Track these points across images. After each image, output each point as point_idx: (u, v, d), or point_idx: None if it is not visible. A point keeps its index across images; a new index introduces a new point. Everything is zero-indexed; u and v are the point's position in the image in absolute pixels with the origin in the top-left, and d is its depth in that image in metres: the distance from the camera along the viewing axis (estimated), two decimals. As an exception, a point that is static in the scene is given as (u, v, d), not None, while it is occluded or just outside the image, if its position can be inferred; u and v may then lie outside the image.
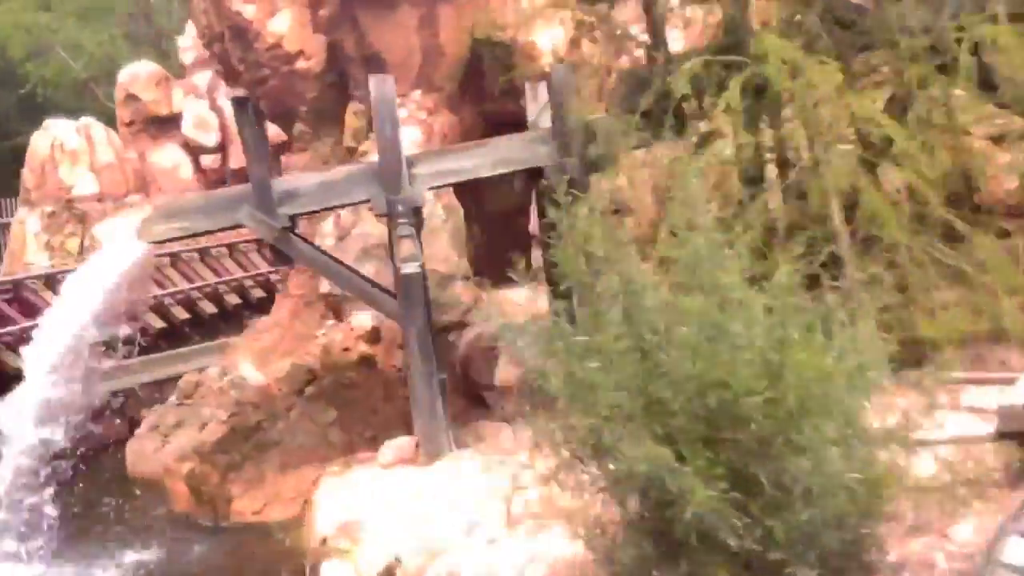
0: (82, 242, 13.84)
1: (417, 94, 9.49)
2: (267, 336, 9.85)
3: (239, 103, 6.02)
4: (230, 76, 11.52)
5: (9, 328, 10.40)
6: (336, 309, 9.00)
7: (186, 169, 15.58)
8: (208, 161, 15.62)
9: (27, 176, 14.66)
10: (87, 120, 15.43)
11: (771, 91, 5.49)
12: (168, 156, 15.71)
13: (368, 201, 6.29)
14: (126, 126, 15.98)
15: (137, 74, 16.10)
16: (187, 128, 15.78)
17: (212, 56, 13.92)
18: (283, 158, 10.87)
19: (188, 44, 16.98)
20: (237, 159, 15.76)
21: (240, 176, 15.86)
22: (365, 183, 6.27)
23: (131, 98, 15.85)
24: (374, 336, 7.95)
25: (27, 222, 14.09)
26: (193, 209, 6.25)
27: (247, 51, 10.68)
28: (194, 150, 15.84)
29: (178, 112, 15.99)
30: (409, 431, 7.18)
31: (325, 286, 9.00)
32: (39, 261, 13.54)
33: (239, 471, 7.13)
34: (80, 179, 14.44)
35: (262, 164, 6.25)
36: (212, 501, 7.09)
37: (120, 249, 6.33)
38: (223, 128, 15.99)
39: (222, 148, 15.99)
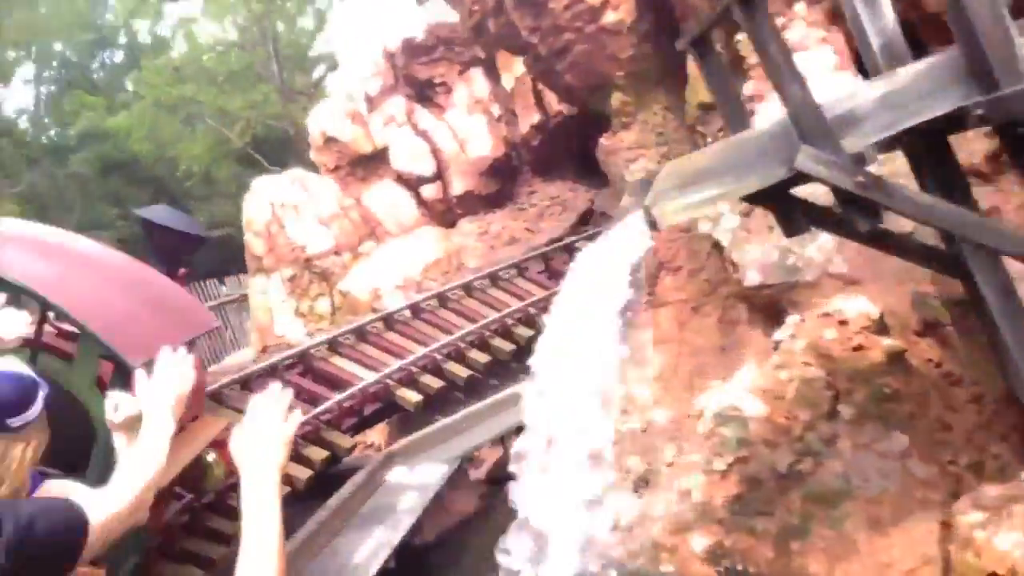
0: (332, 302, 12.31)
1: (801, 7, 7.35)
2: (656, 358, 7.89)
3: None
4: (518, 53, 9.77)
5: (326, 406, 8.83)
6: (766, 306, 6.95)
7: (408, 204, 13.97)
8: (430, 192, 13.98)
9: (253, 242, 13.28)
10: (298, 171, 14.07)
11: None
12: (384, 194, 14.13)
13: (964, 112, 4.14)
14: (331, 172, 14.57)
15: (329, 113, 14.76)
16: (398, 161, 14.20)
17: (483, 35, 12.05)
18: (603, 140, 9.01)
19: (372, 71, 15.51)
20: (459, 184, 14.15)
21: (466, 201, 14.19)
22: (951, 84, 4.09)
23: (330, 141, 14.45)
24: (882, 325, 5.82)
25: (268, 292, 12.65)
26: (715, 170, 4.21)
27: (539, 16, 8.83)
28: (409, 182, 14.24)
29: (382, 147, 14.48)
30: (1016, 443, 5.07)
31: (753, 278, 6.96)
32: (293, 331, 12.03)
33: (804, 538, 5.07)
34: (311, 235, 12.98)
35: (798, 77, 4.14)
36: (773, 586, 5.07)
37: (631, 234, 4.42)
38: (434, 152, 14.40)
39: (438, 175, 14.34)
